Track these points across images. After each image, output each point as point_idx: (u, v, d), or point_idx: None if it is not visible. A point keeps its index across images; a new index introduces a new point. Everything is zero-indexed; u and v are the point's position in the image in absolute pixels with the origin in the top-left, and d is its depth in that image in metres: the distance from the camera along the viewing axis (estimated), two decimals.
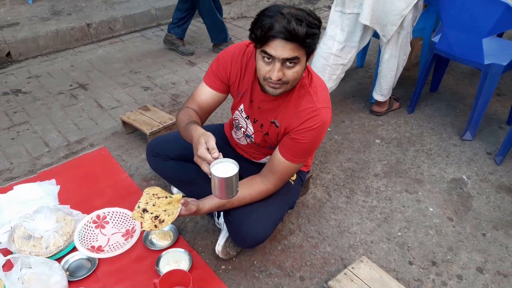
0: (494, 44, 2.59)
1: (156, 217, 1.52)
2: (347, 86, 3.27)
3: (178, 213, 1.53)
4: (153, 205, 1.54)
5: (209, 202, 1.60)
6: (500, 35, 3.25)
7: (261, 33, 1.33)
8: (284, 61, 1.35)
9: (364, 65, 3.58)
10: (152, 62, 3.66)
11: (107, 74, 3.43)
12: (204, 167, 1.33)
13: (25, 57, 3.69)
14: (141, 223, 1.53)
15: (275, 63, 1.36)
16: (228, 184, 1.32)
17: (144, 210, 1.53)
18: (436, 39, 2.60)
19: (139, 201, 1.57)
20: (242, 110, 1.71)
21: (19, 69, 3.50)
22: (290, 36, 1.29)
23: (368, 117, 2.87)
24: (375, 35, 2.88)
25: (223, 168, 1.32)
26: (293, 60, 1.35)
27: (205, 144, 1.34)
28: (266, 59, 1.37)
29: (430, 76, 3.12)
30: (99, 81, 3.33)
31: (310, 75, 1.56)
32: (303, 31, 1.29)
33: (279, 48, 1.32)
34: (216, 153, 1.32)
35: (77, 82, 3.31)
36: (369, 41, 3.43)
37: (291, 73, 1.38)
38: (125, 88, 3.23)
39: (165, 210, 1.53)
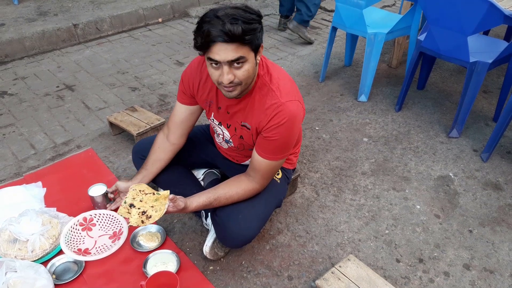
0: (479, 42, 2.61)
1: (144, 212, 1.51)
2: (334, 84, 3.28)
3: (165, 210, 1.52)
4: (140, 201, 1.53)
5: (196, 200, 1.60)
6: (486, 33, 3.28)
7: (201, 40, 1.34)
8: (230, 63, 1.35)
9: (352, 64, 3.60)
10: (140, 62, 3.64)
11: (94, 75, 3.41)
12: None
13: (11, 59, 3.65)
14: (128, 219, 1.52)
15: (222, 67, 1.36)
16: (96, 200, 1.96)
17: (131, 205, 1.52)
18: (422, 37, 2.62)
19: (125, 197, 1.56)
20: (213, 118, 1.73)
21: (5, 70, 3.46)
22: (228, 37, 1.30)
23: (356, 116, 2.88)
24: (364, 34, 2.90)
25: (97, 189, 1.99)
26: (239, 60, 1.36)
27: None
28: (213, 64, 1.38)
29: (417, 74, 3.14)
30: (86, 82, 3.30)
31: (268, 71, 1.55)
32: (238, 29, 1.29)
33: (222, 52, 1.33)
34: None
35: (64, 83, 3.28)
36: (357, 40, 3.46)
37: (241, 72, 1.39)
38: (113, 89, 3.21)
39: (152, 206, 1.52)
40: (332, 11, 4.83)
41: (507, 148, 2.54)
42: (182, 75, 1.73)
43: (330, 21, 4.56)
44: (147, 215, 1.50)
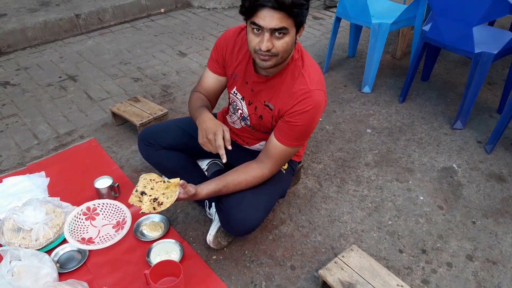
0: (484, 33, 2.59)
1: (155, 199, 1.51)
2: (338, 75, 3.26)
3: (176, 196, 1.51)
4: (151, 188, 1.53)
5: (206, 187, 1.60)
6: (491, 24, 3.26)
7: (249, 4, 1.35)
8: (272, 31, 1.36)
9: (355, 55, 3.58)
10: (143, 53, 3.63)
11: (97, 66, 3.40)
12: (210, 148, 1.55)
13: (14, 49, 3.64)
14: (140, 207, 1.52)
15: (264, 33, 1.37)
16: (102, 192, 2.02)
17: (143, 193, 1.52)
18: (426, 28, 2.60)
19: (136, 185, 1.56)
20: (237, 92, 1.72)
21: (7, 61, 3.46)
22: (277, 5, 1.31)
23: (360, 107, 2.87)
24: (368, 24, 2.87)
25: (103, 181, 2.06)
26: (282, 31, 1.37)
27: (222, 134, 1.51)
28: (255, 30, 1.39)
29: (421, 65, 3.12)
30: (89, 72, 3.30)
31: (302, 57, 1.57)
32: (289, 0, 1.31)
33: (267, 18, 1.34)
34: (229, 146, 1.51)
35: (67, 73, 3.27)
36: (361, 30, 3.43)
37: (280, 44, 1.39)
38: (115, 79, 3.21)
39: (163, 194, 1.52)
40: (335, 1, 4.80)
41: (511, 140, 2.53)
42: (216, 42, 1.73)
43: (333, 12, 4.53)
44: (158, 201, 1.50)
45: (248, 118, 1.73)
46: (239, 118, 1.79)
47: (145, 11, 4.41)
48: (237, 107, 1.77)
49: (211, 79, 1.78)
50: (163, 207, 1.50)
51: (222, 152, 1.49)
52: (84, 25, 4.01)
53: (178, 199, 1.52)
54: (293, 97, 1.53)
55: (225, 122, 1.93)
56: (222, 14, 4.48)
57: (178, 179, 1.53)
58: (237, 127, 1.84)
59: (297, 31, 1.43)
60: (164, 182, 1.55)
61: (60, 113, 2.78)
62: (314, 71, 1.57)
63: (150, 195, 1.51)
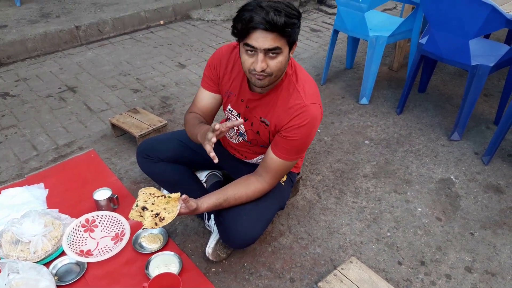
0: (480, 45, 2.62)
1: (157, 214, 1.51)
2: (336, 87, 3.29)
3: (178, 211, 1.52)
4: (152, 203, 1.53)
5: (207, 201, 1.60)
6: (486, 36, 3.29)
7: (241, 26, 1.37)
8: (266, 51, 1.38)
9: (353, 66, 3.61)
10: (142, 64, 3.65)
11: (97, 77, 3.41)
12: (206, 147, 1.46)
13: (13, 60, 3.66)
14: (140, 222, 1.52)
15: (258, 54, 1.39)
16: (101, 203, 2.01)
17: (144, 208, 1.52)
18: (423, 40, 2.63)
19: (136, 200, 1.55)
20: (232, 109, 1.73)
21: (7, 72, 3.47)
22: (270, 26, 1.33)
23: (357, 119, 2.89)
24: (365, 37, 2.90)
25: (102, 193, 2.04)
26: (275, 51, 1.38)
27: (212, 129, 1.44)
28: (249, 51, 1.40)
29: (418, 77, 3.15)
30: (88, 83, 3.31)
31: (296, 71, 1.59)
32: (281, 20, 1.33)
33: (260, 39, 1.36)
34: (217, 125, 1.41)
35: (66, 84, 3.29)
36: (358, 43, 3.47)
37: (274, 63, 1.41)
38: (115, 90, 3.22)
39: (164, 208, 1.52)
40: (333, 14, 4.84)
41: (508, 151, 2.55)
42: (209, 60, 1.74)
43: (331, 24, 4.58)
44: (160, 217, 1.50)
45: (245, 133, 1.74)
46: (236, 134, 1.80)
47: (144, 23, 4.44)
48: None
49: (207, 98, 1.77)
50: (164, 222, 1.50)
51: (209, 149, 1.43)
52: (84, 36, 4.04)
53: (179, 214, 1.53)
54: (289, 112, 1.54)
55: (223, 137, 1.94)
56: (220, 26, 4.51)
57: (178, 194, 1.54)
58: (235, 142, 1.85)
59: (290, 49, 1.45)
60: (164, 196, 1.55)
61: (59, 124, 2.79)
62: (309, 85, 1.58)
63: (151, 210, 1.51)
